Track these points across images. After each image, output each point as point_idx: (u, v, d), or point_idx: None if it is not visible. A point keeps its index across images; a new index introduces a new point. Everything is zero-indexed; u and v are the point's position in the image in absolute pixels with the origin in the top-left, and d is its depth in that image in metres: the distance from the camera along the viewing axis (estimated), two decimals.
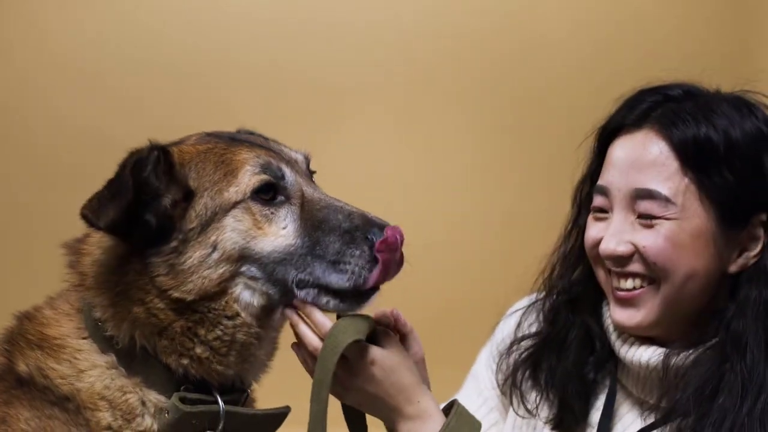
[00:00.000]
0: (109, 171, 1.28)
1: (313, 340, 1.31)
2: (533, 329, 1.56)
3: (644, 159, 1.36)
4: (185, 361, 1.31)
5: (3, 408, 1.30)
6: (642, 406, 1.40)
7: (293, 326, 1.34)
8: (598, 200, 1.42)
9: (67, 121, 2.77)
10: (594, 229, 1.42)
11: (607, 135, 1.44)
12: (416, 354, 1.40)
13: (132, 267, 1.29)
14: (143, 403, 1.31)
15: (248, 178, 1.32)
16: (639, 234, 1.35)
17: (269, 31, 2.76)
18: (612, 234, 1.37)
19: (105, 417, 1.29)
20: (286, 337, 1.41)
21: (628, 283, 1.38)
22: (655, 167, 1.35)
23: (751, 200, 1.35)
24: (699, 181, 1.33)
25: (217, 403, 1.31)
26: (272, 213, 1.33)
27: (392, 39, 2.77)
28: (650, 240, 1.34)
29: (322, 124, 2.72)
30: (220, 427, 1.31)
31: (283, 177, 1.35)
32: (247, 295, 1.32)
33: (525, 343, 1.54)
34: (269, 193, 1.33)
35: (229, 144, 1.38)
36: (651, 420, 1.37)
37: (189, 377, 1.32)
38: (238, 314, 1.32)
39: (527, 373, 1.52)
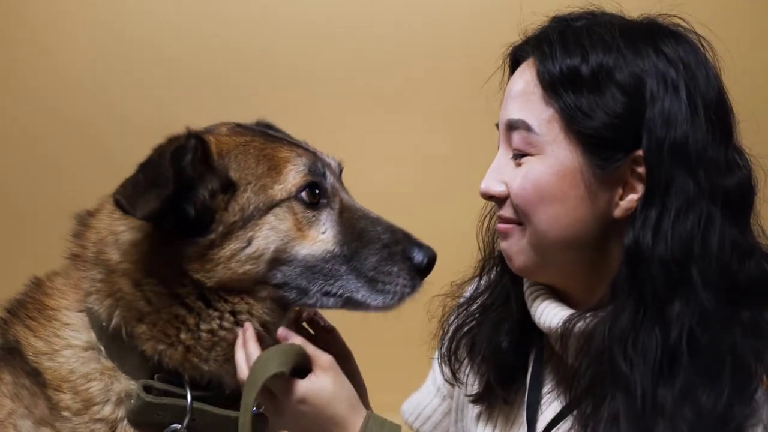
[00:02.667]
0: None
1: (242, 372, 1.26)
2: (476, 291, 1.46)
3: (518, 89, 1.26)
4: (161, 347, 1.28)
5: None
6: (568, 372, 1.27)
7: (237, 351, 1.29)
8: (499, 140, 1.31)
9: (73, 119, 2.77)
10: None
11: (513, 66, 1.33)
12: (345, 361, 1.35)
13: (147, 248, 1.27)
14: (106, 392, 1.29)
15: (293, 176, 1.31)
16: (511, 173, 1.25)
17: (282, 28, 2.76)
18: (490, 172, 1.28)
19: (64, 399, 1.28)
20: None
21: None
22: (524, 96, 1.24)
23: (625, 133, 1.19)
24: (562, 110, 1.20)
25: (185, 397, 1.29)
26: (313, 216, 1.31)
27: (403, 40, 2.76)
28: (516, 181, 1.23)
29: (329, 122, 2.71)
30: (185, 423, 1.28)
31: (325, 178, 1.34)
32: (259, 306, 1.31)
33: (462, 311, 1.45)
34: (313, 195, 1.31)
35: (267, 139, 1.35)
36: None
37: (162, 365, 1.29)
38: (246, 314, 1.30)
39: (461, 342, 1.43)
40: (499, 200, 1.28)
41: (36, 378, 1.30)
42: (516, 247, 1.27)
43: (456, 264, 1.51)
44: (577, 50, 1.21)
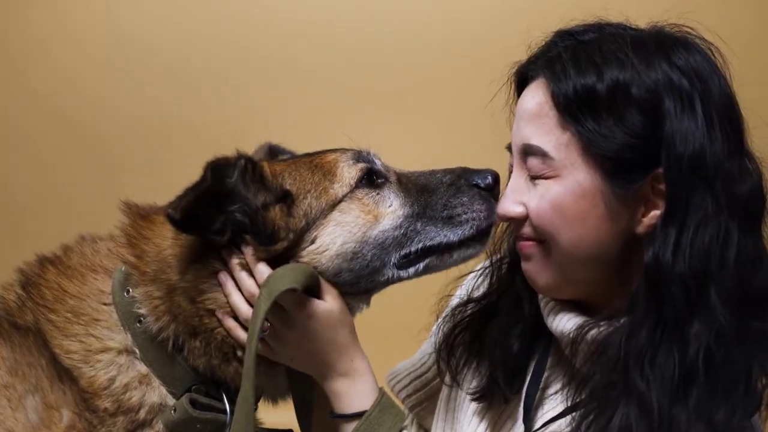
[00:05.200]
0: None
1: (251, 287, 1.28)
2: (481, 293, 1.44)
3: (531, 111, 1.23)
4: (215, 362, 1.31)
5: None
6: (575, 376, 1.26)
7: (223, 286, 1.30)
8: (510, 158, 1.30)
9: (72, 118, 2.77)
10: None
11: (520, 83, 1.31)
12: None
13: (201, 266, 1.30)
14: (142, 399, 1.30)
15: (347, 172, 1.37)
16: (528, 195, 1.24)
17: (282, 28, 2.74)
18: (507, 194, 1.27)
19: (103, 404, 1.29)
20: None
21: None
22: (538, 119, 1.22)
23: (645, 152, 1.17)
24: (579, 134, 1.18)
25: (225, 412, 1.31)
26: (378, 194, 1.37)
27: (403, 40, 2.75)
28: (534, 202, 1.22)
29: (328, 122, 2.70)
30: None
31: (374, 161, 1.41)
32: None
33: (466, 309, 1.43)
34: (370, 179, 1.38)
35: (310, 154, 1.43)
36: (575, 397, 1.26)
37: (215, 377, 1.32)
38: None
39: (463, 337, 1.41)
40: (518, 221, 1.27)
41: (63, 369, 1.30)
42: (538, 267, 1.26)
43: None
44: (591, 69, 1.19)
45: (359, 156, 1.40)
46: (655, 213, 1.19)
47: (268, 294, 1.23)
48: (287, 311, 1.28)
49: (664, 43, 1.21)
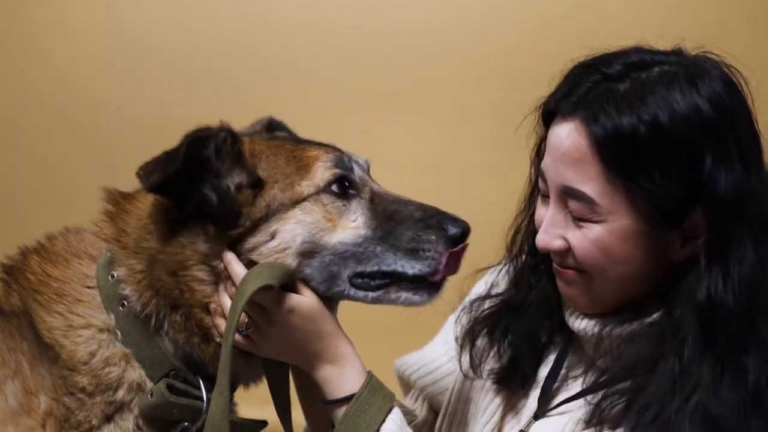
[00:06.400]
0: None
1: (230, 290, 1.30)
2: (501, 289, 1.51)
3: (570, 155, 1.26)
4: (196, 340, 1.32)
5: None
6: (592, 369, 1.33)
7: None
8: (541, 183, 1.35)
9: (71, 118, 2.77)
10: (540, 211, 1.36)
11: (547, 114, 1.35)
12: None
13: (182, 238, 1.31)
14: (121, 379, 1.31)
15: (321, 172, 1.35)
16: (571, 230, 1.29)
17: (281, 28, 2.75)
18: (546, 227, 1.32)
19: (82, 381, 1.30)
20: None
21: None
22: (581, 165, 1.25)
23: (686, 197, 1.23)
24: (624, 186, 1.23)
25: (202, 399, 1.32)
26: (344, 206, 1.35)
27: (404, 39, 2.75)
28: (578, 241, 1.28)
29: (328, 122, 2.70)
30: (199, 423, 1.31)
31: (353, 171, 1.39)
32: None
33: (488, 302, 1.50)
34: (341, 187, 1.36)
35: (298, 142, 1.42)
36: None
37: (194, 357, 1.33)
38: None
39: (484, 330, 1.47)
40: (558, 254, 1.32)
41: (47, 351, 1.31)
42: (579, 292, 1.33)
43: (466, 263, 1.53)
44: (632, 115, 1.22)
45: (339, 161, 1.38)
46: (693, 243, 1.26)
47: (243, 292, 1.25)
48: (266, 309, 1.30)
49: (692, 76, 1.25)
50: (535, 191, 1.41)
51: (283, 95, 2.72)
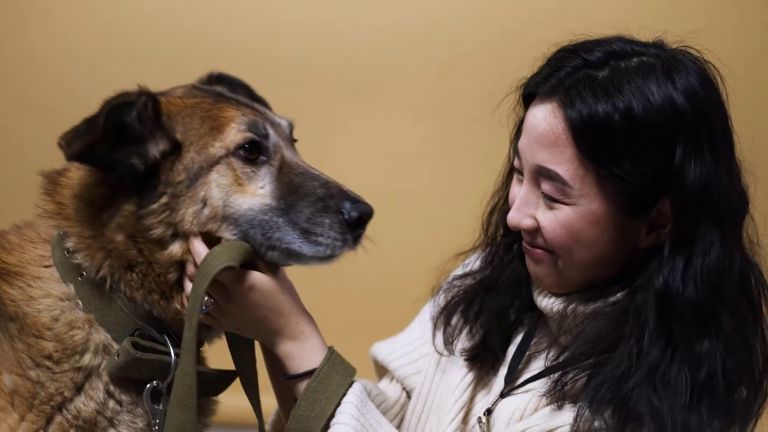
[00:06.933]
0: None
1: (190, 269, 1.32)
2: (476, 267, 1.54)
3: (546, 137, 1.29)
4: (155, 297, 1.33)
5: None
6: (555, 345, 1.36)
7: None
8: (516, 162, 1.38)
9: (69, 118, 2.74)
10: (513, 190, 1.39)
11: (527, 95, 1.38)
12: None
13: (123, 207, 1.31)
14: (87, 341, 1.32)
15: (233, 134, 1.34)
16: (541, 210, 1.32)
17: (273, 25, 2.76)
18: (518, 206, 1.35)
19: (48, 346, 1.30)
20: None
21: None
22: (555, 147, 1.28)
23: (655, 186, 1.26)
24: (596, 170, 1.26)
25: (169, 354, 1.33)
26: (252, 172, 1.34)
27: (408, 37, 2.76)
28: (548, 222, 1.31)
29: (332, 122, 2.72)
30: (169, 379, 1.32)
31: (266, 137, 1.37)
32: None
33: (464, 281, 1.53)
34: (252, 152, 1.35)
35: (216, 100, 1.39)
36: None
37: (156, 316, 1.34)
38: None
39: (459, 308, 1.50)
40: (528, 233, 1.36)
41: (8, 324, 1.31)
42: (546, 271, 1.36)
43: (449, 251, 1.61)
44: (607, 102, 1.25)
45: (253, 125, 1.36)
46: (660, 231, 1.30)
47: (205, 274, 1.27)
48: (227, 287, 1.32)
49: (669, 69, 1.28)
50: (512, 171, 1.44)
51: (272, 92, 2.73)
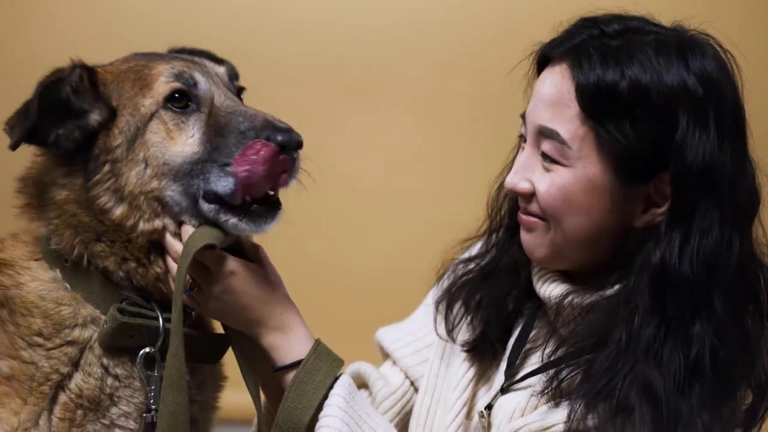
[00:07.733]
0: None
1: (174, 245, 1.32)
2: (480, 251, 1.54)
3: (551, 96, 1.30)
4: (132, 265, 1.34)
5: None
6: (554, 338, 1.36)
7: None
8: (522, 128, 1.38)
9: None
10: (518, 159, 1.39)
11: (540, 62, 1.39)
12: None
13: (75, 181, 1.33)
14: (75, 316, 1.33)
15: (162, 86, 1.33)
16: (539, 173, 1.32)
17: (268, 25, 2.76)
18: (517, 169, 1.35)
19: (36, 323, 1.32)
20: None
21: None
22: (558, 107, 1.29)
23: (655, 157, 1.26)
24: (596, 131, 1.26)
25: (157, 318, 1.33)
26: (182, 122, 1.32)
27: (406, 37, 2.75)
28: (544, 185, 1.30)
29: (331, 121, 2.72)
30: (158, 344, 1.32)
31: (195, 85, 1.34)
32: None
33: (468, 266, 1.53)
34: (181, 102, 1.33)
35: (150, 60, 1.38)
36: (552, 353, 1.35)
37: (132, 283, 1.34)
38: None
39: (461, 295, 1.50)
40: (526, 196, 1.35)
41: (3, 308, 1.33)
42: (538, 241, 1.35)
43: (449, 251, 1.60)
44: (616, 67, 1.26)
45: (180, 74, 1.33)
46: (655, 211, 1.28)
47: (186, 253, 1.27)
48: (209, 268, 1.32)
49: (684, 49, 1.28)
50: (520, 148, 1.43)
51: (272, 92, 2.73)
